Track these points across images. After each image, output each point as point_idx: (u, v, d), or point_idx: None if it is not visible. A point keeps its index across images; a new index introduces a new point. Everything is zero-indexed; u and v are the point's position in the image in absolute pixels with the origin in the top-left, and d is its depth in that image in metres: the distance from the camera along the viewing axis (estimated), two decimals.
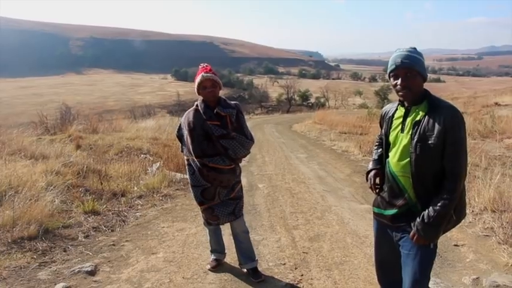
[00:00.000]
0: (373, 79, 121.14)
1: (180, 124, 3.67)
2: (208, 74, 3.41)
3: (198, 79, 3.43)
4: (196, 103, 3.56)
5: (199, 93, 3.49)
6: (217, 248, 3.95)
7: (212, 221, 3.67)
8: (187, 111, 3.61)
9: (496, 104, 20.55)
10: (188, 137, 3.48)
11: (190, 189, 3.67)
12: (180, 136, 3.68)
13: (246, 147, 3.54)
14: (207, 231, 3.93)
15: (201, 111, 3.47)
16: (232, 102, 3.64)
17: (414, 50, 2.26)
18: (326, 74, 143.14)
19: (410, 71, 2.23)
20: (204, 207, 3.62)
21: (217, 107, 3.47)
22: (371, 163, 2.66)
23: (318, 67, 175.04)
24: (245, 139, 3.52)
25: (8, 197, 4.92)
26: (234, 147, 3.46)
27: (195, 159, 3.47)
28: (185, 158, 3.65)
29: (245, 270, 3.76)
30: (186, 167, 3.66)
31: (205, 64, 3.53)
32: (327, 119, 20.04)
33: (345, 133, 15.19)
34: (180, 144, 3.75)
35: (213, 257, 3.95)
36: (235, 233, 3.73)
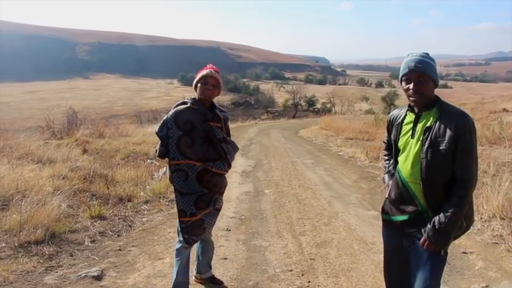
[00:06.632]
0: (379, 85, 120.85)
1: (166, 123, 3.16)
2: (215, 73, 3.22)
3: (203, 72, 3.22)
4: (186, 100, 3.26)
5: (196, 88, 3.24)
6: (184, 278, 3.35)
7: (196, 236, 3.30)
8: (174, 110, 3.20)
9: (504, 110, 20.41)
10: (186, 138, 3.13)
11: (178, 199, 3.19)
12: (164, 136, 3.18)
13: (235, 153, 3.45)
14: (175, 260, 3.34)
15: (201, 111, 3.21)
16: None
17: (427, 55, 2.27)
18: (332, 80, 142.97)
19: (423, 75, 2.23)
20: (195, 218, 3.20)
21: (214, 108, 3.30)
22: (387, 176, 2.61)
23: (324, 72, 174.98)
24: (235, 144, 3.43)
25: (15, 201, 4.95)
26: (230, 151, 3.34)
27: (196, 164, 3.16)
28: (173, 162, 3.15)
29: (198, 277, 3.63)
30: (174, 174, 3.16)
31: (213, 65, 3.33)
32: (333, 125, 19.97)
33: (352, 139, 15.15)
34: (159, 147, 3.25)
35: None
36: (208, 241, 3.55)
